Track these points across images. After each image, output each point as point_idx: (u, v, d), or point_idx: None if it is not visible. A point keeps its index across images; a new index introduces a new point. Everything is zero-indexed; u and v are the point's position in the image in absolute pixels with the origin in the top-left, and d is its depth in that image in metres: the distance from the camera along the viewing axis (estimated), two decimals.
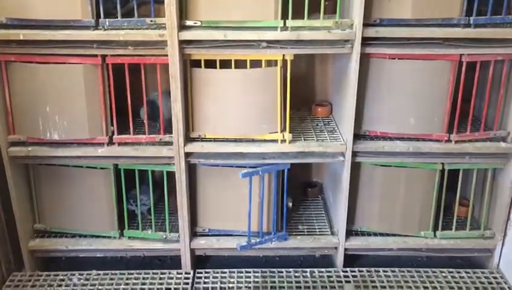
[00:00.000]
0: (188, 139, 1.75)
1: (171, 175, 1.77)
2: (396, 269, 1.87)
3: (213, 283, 1.80)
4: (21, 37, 1.56)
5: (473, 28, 1.59)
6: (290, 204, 2.00)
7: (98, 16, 1.59)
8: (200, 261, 1.95)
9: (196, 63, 1.67)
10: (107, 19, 1.59)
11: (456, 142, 1.75)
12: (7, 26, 1.57)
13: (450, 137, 1.74)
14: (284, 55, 1.63)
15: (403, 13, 1.59)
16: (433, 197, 1.83)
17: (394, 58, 1.66)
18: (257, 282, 1.81)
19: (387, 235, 1.90)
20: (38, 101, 1.65)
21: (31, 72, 1.62)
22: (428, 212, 1.86)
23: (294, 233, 1.93)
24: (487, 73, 1.70)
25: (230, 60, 1.65)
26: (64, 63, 1.62)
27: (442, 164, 1.78)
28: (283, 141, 1.74)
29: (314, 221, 2.03)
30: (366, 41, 1.60)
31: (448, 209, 1.89)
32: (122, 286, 1.78)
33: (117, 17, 1.60)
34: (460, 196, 1.88)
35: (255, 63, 1.67)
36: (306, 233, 1.93)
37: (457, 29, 1.60)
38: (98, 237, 1.89)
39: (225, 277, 1.83)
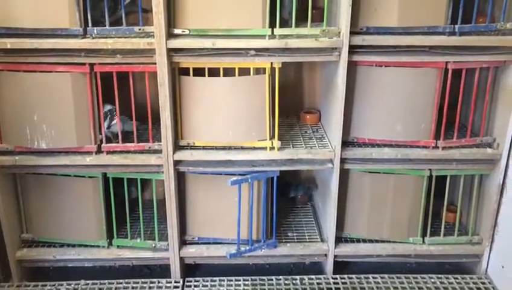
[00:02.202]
0: (177, 147, 1.75)
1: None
2: (386, 276, 1.87)
3: None
4: (8, 46, 1.55)
5: (458, 35, 1.62)
6: None
7: (86, 25, 1.59)
8: (190, 269, 1.94)
9: (185, 71, 1.68)
10: (95, 28, 1.59)
11: (443, 148, 1.76)
12: None
13: (437, 143, 1.76)
14: (272, 63, 1.64)
15: (389, 21, 1.61)
16: (421, 204, 1.84)
17: (381, 66, 1.68)
18: None
19: (377, 241, 1.91)
20: (26, 109, 1.64)
21: (19, 80, 1.62)
22: (417, 218, 1.87)
23: (284, 240, 1.93)
24: (473, 80, 1.73)
25: (219, 68, 1.66)
26: (52, 71, 1.61)
27: (430, 170, 1.79)
28: (272, 148, 1.75)
29: (304, 228, 2.03)
30: (353, 49, 1.61)
31: (436, 215, 1.90)
32: None
33: (105, 26, 1.60)
34: (448, 202, 1.90)
35: (244, 71, 1.68)
36: (296, 240, 1.94)
37: (443, 37, 1.62)
38: (86, 246, 1.87)
39: (215, 285, 1.82)
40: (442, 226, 1.89)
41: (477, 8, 1.61)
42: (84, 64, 1.61)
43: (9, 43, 1.55)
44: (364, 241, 1.92)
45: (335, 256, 1.89)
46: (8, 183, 1.79)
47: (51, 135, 1.67)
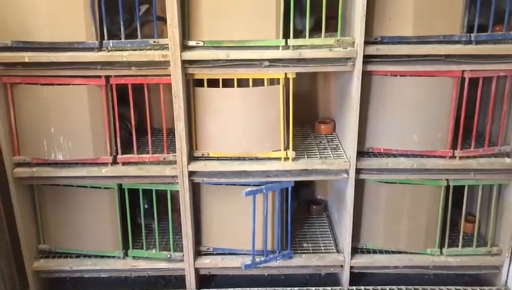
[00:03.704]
0: (192, 158, 1.75)
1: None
2: (403, 287, 1.85)
3: None
4: (26, 60, 1.58)
5: (475, 44, 1.60)
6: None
7: (102, 38, 1.61)
8: (205, 280, 1.94)
9: (199, 82, 1.68)
10: (110, 40, 1.61)
11: (461, 158, 1.74)
12: (12, 49, 1.60)
13: (454, 153, 1.73)
14: (286, 73, 1.64)
15: (404, 31, 1.60)
16: (438, 214, 1.82)
17: (396, 75, 1.67)
18: None
19: (393, 252, 1.89)
20: (43, 122, 1.66)
21: (36, 93, 1.64)
22: (434, 229, 1.84)
23: (299, 251, 1.91)
24: (490, 88, 1.70)
25: (233, 79, 1.67)
26: (69, 84, 1.64)
27: (447, 180, 1.77)
28: (286, 158, 1.74)
29: (319, 239, 2.01)
30: (367, 58, 1.61)
31: (454, 226, 1.87)
32: None
33: (121, 38, 1.62)
34: (466, 212, 1.87)
35: (258, 82, 1.68)
36: (311, 251, 1.92)
37: (459, 45, 1.60)
38: (102, 257, 1.88)
39: None
40: (461, 237, 1.86)
41: (493, 16, 1.59)
42: (100, 76, 1.63)
43: (27, 56, 1.58)
44: (380, 252, 1.90)
45: (351, 267, 1.87)
46: (26, 195, 1.81)
47: (68, 146, 1.69)
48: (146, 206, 1.84)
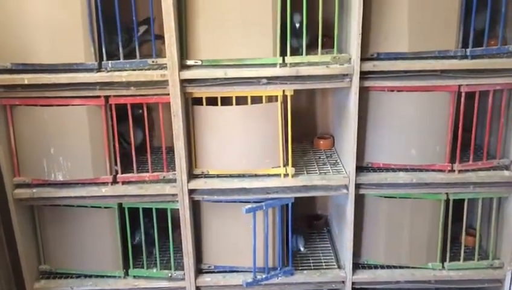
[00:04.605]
0: (191, 176, 1.75)
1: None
2: None
3: None
4: (26, 82, 1.59)
5: (470, 59, 1.62)
6: (302, 248, 2.01)
7: (101, 58, 1.62)
8: None
9: (197, 101, 1.70)
10: (109, 61, 1.62)
11: (460, 171, 1.74)
12: (12, 71, 1.61)
13: (453, 167, 1.74)
14: (284, 90, 1.65)
15: (399, 47, 1.62)
16: (439, 228, 1.81)
17: (393, 91, 1.68)
18: None
19: (395, 267, 1.88)
20: (43, 143, 1.67)
21: (36, 115, 1.65)
22: (435, 243, 1.84)
23: (300, 268, 1.91)
24: (487, 102, 1.71)
25: (231, 97, 1.68)
26: (68, 105, 1.65)
27: (447, 194, 1.77)
28: (286, 175, 1.75)
29: (320, 254, 2.01)
30: (364, 74, 1.62)
31: (455, 240, 1.87)
32: None
33: (119, 58, 1.63)
34: (467, 226, 1.87)
35: (256, 99, 1.69)
36: (312, 267, 1.91)
37: (455, 60, 1.62)
38: (103, 276, 1.87)
39: None
40: (462, 251, 1.85)
41: (488, 31, 1.61)
42: (99, 97, 1.64)
43: (26, 78, 1.59)
44: (382, 267, 1.89)
45: (353, 283, 1.86)
46: (26, 216, 1.81)
47: (68, 166, 1.70)
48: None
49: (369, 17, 1.59)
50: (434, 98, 1.67)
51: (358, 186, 1.75)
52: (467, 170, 1.75)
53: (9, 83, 1.61)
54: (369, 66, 1.61)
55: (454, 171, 1.74)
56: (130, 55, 1.67)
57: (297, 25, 1.63)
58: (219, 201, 1.78)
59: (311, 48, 1.67)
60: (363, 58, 1.60)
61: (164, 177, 1.75)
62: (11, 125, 1.68)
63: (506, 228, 1.82)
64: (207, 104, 1.69)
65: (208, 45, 1.62)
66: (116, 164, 1.74)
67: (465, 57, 1.62)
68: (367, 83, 1.64)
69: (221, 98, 1.68)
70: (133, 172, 1.75)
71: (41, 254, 1.88)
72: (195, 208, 1.82)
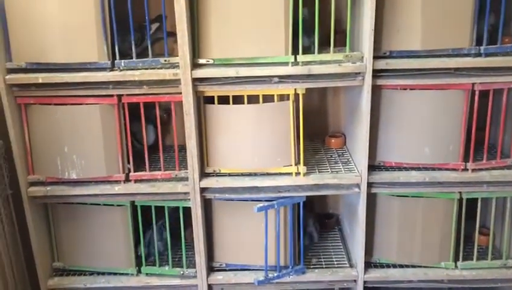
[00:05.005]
0: (203, 174, 1.76)
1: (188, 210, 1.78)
2: None
3: None
4: (40, 81, 1.61)
5: (484, 57, 1.60)
6: (315, 234, 2.02)
7: (113, 58, 1.63)
8: None
9: (209, 100, 1.70)
10: (122, 60, 1.63)
11: (473, 170, 1.73)
12: (27, 71, 1.63)
13: (466, 166, 1.72)
14: (295, 89, 1.65)
15: (412, 45, 1.61)
16: (452, 227, 1.80)
17: (406, 89, 1.67)
18: None
19: (407, 266, 1.87)
20: (57, 141, 1.69)
21: (50, 113, 1.67)
22: (448, 242, 1.82)
23: (312, 266, 1.91)
24: (501, 100, 1.70)
25: (243, 96, 1.68)
26: (81, 103, 1.66)
27: (460, 193, 1.76)
28: (297, 173, 1.74)
29: (332, 253, 2.00)
30: (376, 73, 1.61)
31: (468, 239, 1.85)
32: None
33: (132, 57, 1.64)
34: (480, 225, 1.85)
35: (268, 98, 1.69)
36: (324, 266, 1.91)
37: (468, 58, 1.60)
38: (115, 274, 1.89)
39: None
40: (475, 250, 1.84)
41: (502, 28, 1.59)
42: (112, 96, 1.65)
43: (40, 77, 1.61)
44: (394, 266, 1.88)
45: (365, 282, 1.85)
46: (40, 213, 1.83)
47: (81, 165, 1.71)
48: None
49: (381, 15, 1.58)
50: (447, 96, 1.66)
51: (370, 185, 1.75)
52: (481, 169, 1.74)
53: (24, 82, 1.62)
54: (382, 64, 1.60)
55: (467, 170, 1.73)
56: (142, 54, 1.68)
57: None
58: (231, 199, 1.79)
59: (323, 46, 1.66)
60: (376, 56, 1.59)
61: (176, 175, 1.76)
62: (25, 124, 1.70)
63: None
64: (219, 103, 1.69)
65: (219, 44, 1.62)
66: (128, 162, 1.75)
67: (479, 54, 1.60)
68: (379, 81, 1.63)
69: (233, 96, 1.69)
70: (146, 170, 1.77)
71: (54, 251, 1.90)
72: (207, 206, 1.82)
